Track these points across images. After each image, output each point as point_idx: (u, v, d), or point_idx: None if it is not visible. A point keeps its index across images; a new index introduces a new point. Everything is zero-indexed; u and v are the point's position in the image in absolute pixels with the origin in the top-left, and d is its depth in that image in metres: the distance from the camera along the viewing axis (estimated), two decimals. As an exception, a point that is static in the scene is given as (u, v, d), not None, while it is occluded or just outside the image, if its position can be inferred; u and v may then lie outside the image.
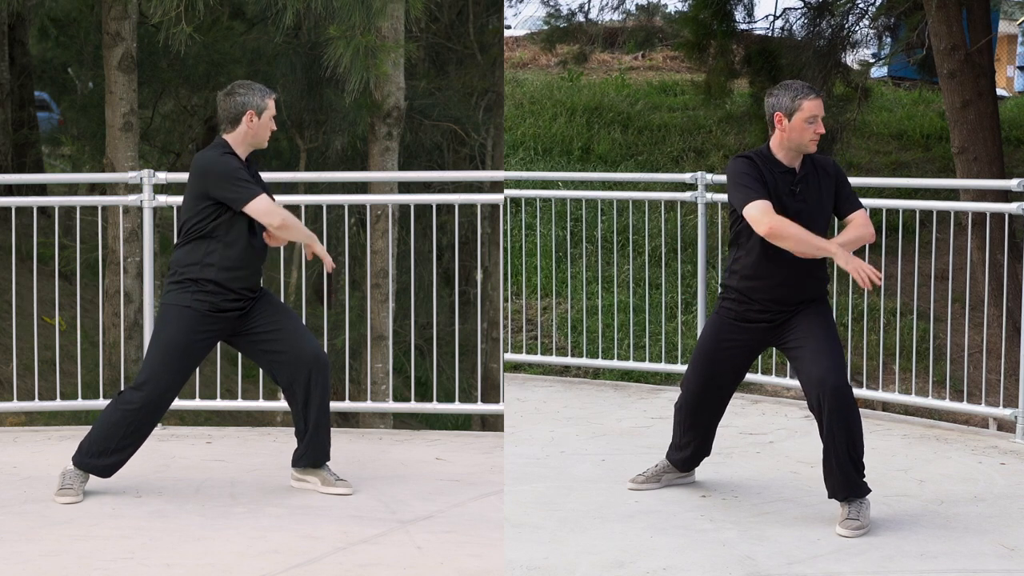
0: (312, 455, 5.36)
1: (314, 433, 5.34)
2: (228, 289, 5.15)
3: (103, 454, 5.15)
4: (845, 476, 4.85)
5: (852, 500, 4.84)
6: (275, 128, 5.23)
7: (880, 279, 4.74)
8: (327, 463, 5.39)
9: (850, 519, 4.79)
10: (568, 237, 8.09)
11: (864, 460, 4.90)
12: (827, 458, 4.88)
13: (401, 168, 11.18)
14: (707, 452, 5.42)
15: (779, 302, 5.02)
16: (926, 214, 7.12)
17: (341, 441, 6.30)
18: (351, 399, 7.52)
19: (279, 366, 5.27)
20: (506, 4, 17.17)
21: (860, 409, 7.08)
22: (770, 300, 5.02)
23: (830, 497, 4.90)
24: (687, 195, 7.52)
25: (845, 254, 4.78)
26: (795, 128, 4.91)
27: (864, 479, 4.88)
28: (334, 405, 7.27)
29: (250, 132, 5.17)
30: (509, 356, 8.53)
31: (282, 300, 6.52)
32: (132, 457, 5.24)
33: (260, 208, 5.08)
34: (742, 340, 5.11)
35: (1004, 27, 22.00)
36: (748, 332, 5.09)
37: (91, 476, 5.22)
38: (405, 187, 11.56)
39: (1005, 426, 6.55)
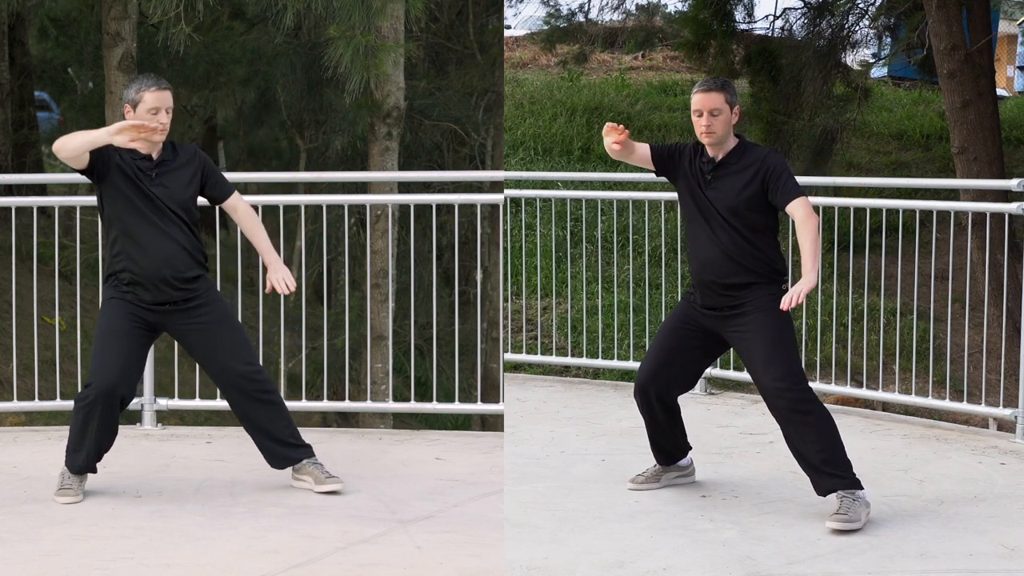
0: (276, 461, 5.36)
1: (261, 445, 5.35)
2: (143, 278, 5.14)
3: (78, 451, 5.18)
4: (823, 476, 4.90)
5: (842, 495, 4.86)
6: (163, 121, 5.12)
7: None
8: (312, 459, 5.37)
9: (839, 513, 4.81)
10: (568, 237, 8.09)
11: (844, 456, 4.90)
12: (802, 463, 4.95)
13: (401, 168, 11.17)
14: (670, 445, 5.37)
15: (715, 284, 5.03)
16: (926, 214, 7.11)
17: (341, 441, 6.31)
18: (351, 399, 7.52)
19: (214, 380, 5.33)
20: (506, 4, 17.18)
21: (860, 409, 7.13)
22: (707, 282, 5.05)
23: (820, 495, 4.93)
24: (687, 195, 7.50)
25: None
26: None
27: (846, 474, 4.88)
28: (335, 405, 7.30)
29: None
30: (509, 356, 8.53)
31: (281, 299, 6.52)
32: (110, 451, 5.24)
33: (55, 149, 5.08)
34: (701, 325, 5.14)
35: (1004, 27, 21.99)
36: (705, 319, 5.13)
37: (89, 475, 5.23)
38: (405, 187, 11.56)
39: (1005, 426, 6.55)
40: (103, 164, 5.16)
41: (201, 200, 5.45)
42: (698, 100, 5.03)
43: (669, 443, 5.37)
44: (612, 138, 5.05)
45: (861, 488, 4.89)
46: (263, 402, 5.29)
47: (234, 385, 5.27)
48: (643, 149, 5.25)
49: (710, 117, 5.01)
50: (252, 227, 5.43)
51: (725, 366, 7.69)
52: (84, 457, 5.17)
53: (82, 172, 5.19)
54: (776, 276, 5.05)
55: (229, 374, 5.26)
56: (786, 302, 4.76)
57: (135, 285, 5.17)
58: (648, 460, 5.59)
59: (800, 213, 4.91)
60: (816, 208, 5.23)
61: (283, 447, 5.34)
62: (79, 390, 6.92)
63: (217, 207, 5.64)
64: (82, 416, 5.15)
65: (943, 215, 6.88)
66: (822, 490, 4.91)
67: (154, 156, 5.20)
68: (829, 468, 4.88)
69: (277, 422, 5.32)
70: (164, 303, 5.19)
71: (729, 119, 5.04)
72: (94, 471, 5.23)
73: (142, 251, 5.14)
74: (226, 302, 5.38)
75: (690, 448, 5.46)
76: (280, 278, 5.29)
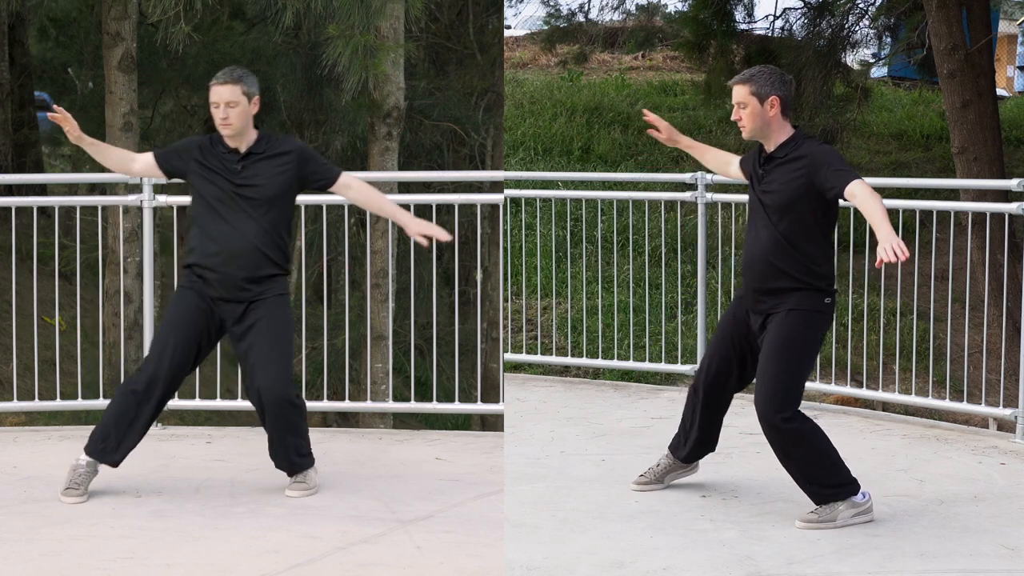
0: (282, 466, 5.34)
1: (273, 449, 5.32)
2: (209, 272, 5.16)
3: (106, 439, 5.14)
4: (812, 495, 4.91)
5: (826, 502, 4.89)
6: (222, 117, 5.14)
7: None
8: (310, 468, 5.38)
9: (811, 512, 4.84)
10: (568, 237, 8.08)
11: (831, 470, 4.86)
12: None
13: (401, 168, 11.17)
14: (710, 446, 5.34)
15: (753, 290, 4.95)
16: (926, 214, 7.11)
17: (341, 441, 6.31)
18: (351, 399, 7.52)
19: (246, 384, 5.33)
20: (506, 4, 17.18)
21: (860, 409, 7.12)
22: (748, 285, 4.99)
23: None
24: (687, 195, 7.52)
25: None
26: None
27: (827, 490, 4.86)
28: (335, 405, 7.29)
29: None
30: (509, 356, 8.53)
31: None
32: (137, 446, 5.20)
33: None
34: (746, 323, 5.04)
35: (1004, 27, 21.99)
36: (748, 316, 5.04)
37: (98, 472, 5.19)
38: (405, 187, 11.55)
39: (1005, 426, 6.55)
40: (180, 164, 5.29)
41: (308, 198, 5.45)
42: (733, 93, 4.97)
43: (701, 441, 5.26)
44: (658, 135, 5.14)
45: (850, 496, 4.87)
46: (274, 420, 5.21)
47: (252, 395, 5.21)
48: (736, 165, 5.28)
49: (738, 110, 4.93)
50: (371, 199, 5.35)
51: (725, 366, 7.69)
52: (120, 449, 5.14)
53: (171, 178, 5.42)
54: (818, 282, 4.85)
55: (248, 385, 5.21)
56: (888, 254, 4.40)
57: (202, 279, 5.19)
58: (647, 460, 5.58)
59: (862, 192, 4.65)
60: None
61: (280, 460, 5.32)
62: (79, 390, 6.97)
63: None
64: (123, 400, 5.12)
65: (943, 215, 6.88)
66: (814, 499, 4.91)
67: (241, 149, 5.20)
68: (814, 487, 4.87)
69: (284, 439, 5.25)
70: (227, 299, 5.18)
71: (758, 111, 4.89)
72: (114, 465, 5.18)
73: (211, 245, 5.17)
74: (286, 311, 5.24)
75: (712, 449, 5.38)
76: (441, 231, 5.14)
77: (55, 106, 5.34)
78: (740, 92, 4.92)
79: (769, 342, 4.88)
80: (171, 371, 5.15)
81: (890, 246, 4.43)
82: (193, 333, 5.19)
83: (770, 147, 4.94)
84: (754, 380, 5.11)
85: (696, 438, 5.28)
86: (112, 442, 5.14)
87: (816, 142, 4.94)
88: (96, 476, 5.22)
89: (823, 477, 4.87)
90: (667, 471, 5.38)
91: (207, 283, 5.17)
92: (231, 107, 5.14)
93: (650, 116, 5.27)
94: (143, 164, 5.37)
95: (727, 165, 5.36)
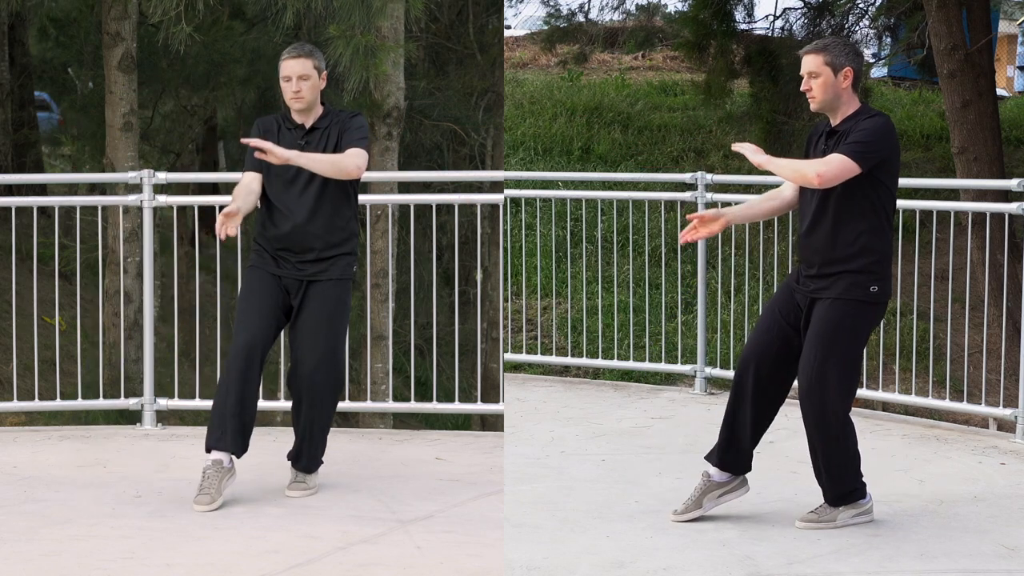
0: (302, 462, 5.33)
1: (301, 441, 5.31)
2: (266, 248, 5.20)
3: (210, 427, 5.07)
4: (828, 490, 4.85)
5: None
6: (294, 90, 5.09)
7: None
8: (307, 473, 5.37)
9: (811, 512, 4.83)
10: (568, 237, 8.09)
11: (840, 474, 4.82)
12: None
13: (401, 168, 11.17)
14: (748, 445, 4.91)
15: (805, 263, 4.82)
16: (926, 214, 7.11)
17: (341, 441, 6.30)
18: (351, 399, 7.51)
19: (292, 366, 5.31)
20: (506, 4, 17.19)
21: (860, 409, 7.11)
22: (802, 254, 4.85)
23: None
24: (687, 195, 7.52)
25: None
26: None
27: (848, 492, 4.84)
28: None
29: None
30: (509, 356, 8.53)
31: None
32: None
33: None
34: (792, 301, 4.85)
35: (1004, 27, 21.97)
36: (796, 294, 4.85)
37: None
38: (405, 187, 11.55)
39: (1005, 426, 6.55)
40: (256, 158, 5.12)
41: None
42: (802, 63, 4.81)
43: (748, 441, 4.93)
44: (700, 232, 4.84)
45: (858, 499, 4.86)
46: (303, 406, 5.22)
47: (299, 379, 5.19)
48: (790, 188, 4.99)
49: (809, 79, 4.77)
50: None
51: (725, 366, 7.69)
52: (216, 434, 5.04)
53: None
54: (860, 262, 4.71)
55: (297, 369, 5.18)
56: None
57: (263, 254, 5.22)
58: (647, 460, 5.58)
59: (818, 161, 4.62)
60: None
61: (296, 451, 5.33)
62: (79, 390, 6.97)
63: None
64: (221, 382, 5.08)
65: (943, 215, 6.88)
66: (825, 495, 4.89)
67: (307, 124, 5.19)
68: (834, 487, 4.84)
69: (303, 431, 5.25)
70: (287, 277, 5.21)
71: (831, 82, 4.74)
72: (228, 450, 5.05)
73: (271, 224, 5.20)
74: (340, 295, 5.21)
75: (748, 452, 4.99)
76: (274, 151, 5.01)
77: (217, 229, 4.99)
78: (813, 62, 4.75)
79: (811, 333, 4.75)
80: (252, 343, 5.06)
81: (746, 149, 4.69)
82: (264, 302, 5.17)
83: (836, 120, 4.81)
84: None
85: (743, 436, 4.94)
86: (213, 432, 5.06)
87: (866, 118, 4.79)
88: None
89: (846, 481, 4.84)
90: (704, 493, 4.98)
91: (267, 259, 5.22)
92: (303, 80, 5.12)
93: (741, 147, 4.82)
94: (256, 181, 5.20)
95: (784, 190, 5.00)
